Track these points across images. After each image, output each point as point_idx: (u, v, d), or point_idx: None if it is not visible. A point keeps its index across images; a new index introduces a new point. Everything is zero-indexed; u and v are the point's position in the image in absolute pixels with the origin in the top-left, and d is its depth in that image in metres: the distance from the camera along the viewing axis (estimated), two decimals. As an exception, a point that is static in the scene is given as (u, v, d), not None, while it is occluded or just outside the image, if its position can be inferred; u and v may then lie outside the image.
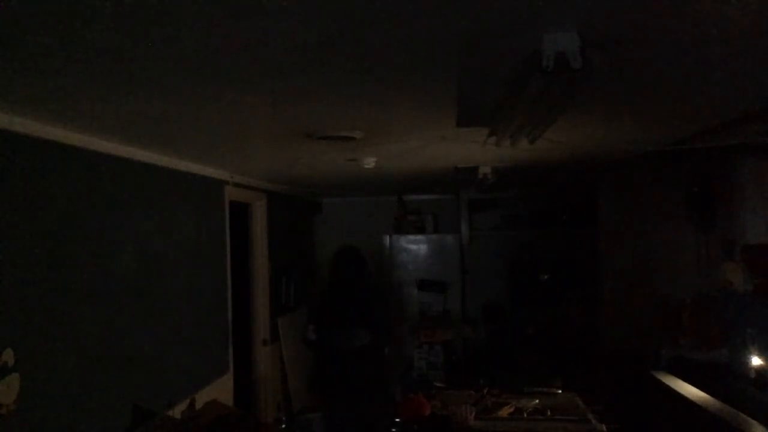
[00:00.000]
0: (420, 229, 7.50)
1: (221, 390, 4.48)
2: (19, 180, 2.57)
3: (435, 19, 1.66)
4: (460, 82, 2.35)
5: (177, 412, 3.68)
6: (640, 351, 4.66)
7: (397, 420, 4.01)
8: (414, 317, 7.11)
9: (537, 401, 4.06)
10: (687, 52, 2.06)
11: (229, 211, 4.85)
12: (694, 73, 2.35)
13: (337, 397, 4.22)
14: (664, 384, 3.84)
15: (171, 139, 3.30)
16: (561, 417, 3.80)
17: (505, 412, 3.93)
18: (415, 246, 7.41)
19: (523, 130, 2.84)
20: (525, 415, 3.88)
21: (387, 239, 7.35)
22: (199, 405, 3.97)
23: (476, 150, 3.86)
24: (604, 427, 3.58)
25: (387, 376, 4.60)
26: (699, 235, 4.03)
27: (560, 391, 4.31)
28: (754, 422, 2.98)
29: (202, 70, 2.06)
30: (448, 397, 4.30)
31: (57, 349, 2.75)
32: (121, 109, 2.55)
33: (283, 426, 4.81)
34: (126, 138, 3.18)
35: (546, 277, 7.21)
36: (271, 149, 3.82)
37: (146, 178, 3.63)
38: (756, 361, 3.39)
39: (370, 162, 4.25)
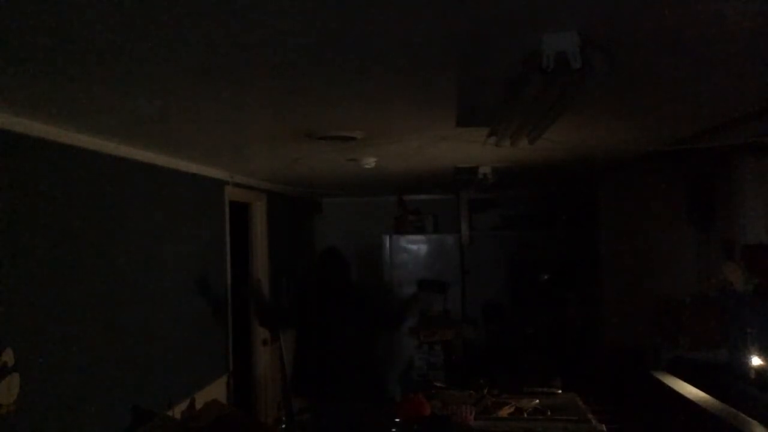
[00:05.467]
0: (420, 229, 7.50)
1: (221, 390, 4.48)
2: (19, 180, 2.57)
3: (435, 19, 1.66)
4: (460, 82, 2.35)
5: (177, 412, 3.68)
6: (640, 351, 4.67)
7: (397, 420, 4.01)
8: (414, 317, 7.10)
9: (537, 401, 4.06)
10: (687, 52, 2.06)
11: (229, 211, 4.85)
12: (694, 73, 2.35)
13: (320, 395, 4.24)
14: (664, 384, 3.84)
15: (171, 139, 3.30)
16: (561, 417, 3.80)
17: (505, 412, 3.93)
18: (415, 246, 7.41)
19: (523, 130, 2.84)
20: (525, 415, 3.88)
21: (387, 239, 7.34)
22: (199, 405, 3.97)
23: (476, 150, 3.86)
24: (604, 427, 3.58)
25: (381, 372, 4.62)
26: (699, 235, 4.03)
27: (560, 391, 4.31)
28: (754, 422, 2.98)
29: (202, 70, 2.06)
30: (448, 397, 4.30)
31: (57, 349, 2.75)
32: (121, 109, 2.55)
33: (283, 426, 4.81)
34: (126, 138, 3.18)
35: (546, 277, 7.21)
36: (271, 149, 3.82)
37: (146, 178, 3.63)
38: (756, 361, 3.39)
39: (370, 162, 4.25)
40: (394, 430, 3.99)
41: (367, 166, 4.34)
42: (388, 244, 7.34)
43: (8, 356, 2.40)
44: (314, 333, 4.30)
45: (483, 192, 6.58)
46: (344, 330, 4.26)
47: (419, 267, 7.33)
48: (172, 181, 3.95)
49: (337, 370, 4.20)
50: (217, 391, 4.36)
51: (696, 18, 1.71)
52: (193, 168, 4.22)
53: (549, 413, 3.90)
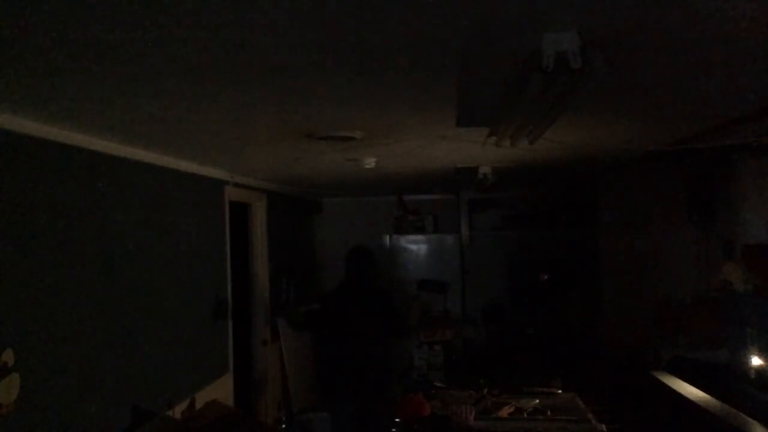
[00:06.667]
0: (420, 229, 7.50)
1: (221, 390, 4.48)
2: (19, 180, 2.57)
3: (435, 19, 1.66)
4: (460, 82, 2.35)
5: (177, 412, 3.68)
6: (640, 351, 4.67)
7: (397, 420, 4.01)
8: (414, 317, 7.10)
9: (537, 401, 4.06)
10: (687, 52, 2.06)
11: (229, 211, 4.85)
12: (694, 73, 2.35)
13: (347, 396, 4.25)
14: (664, 384, 3.84)
15: (171, 139, 3.30)
16: (561, 417, 3.80)
17: (505, 412, 3.93)
18: (415, 246, 7.41)
19: (523, 130, 2.84)
20: (525, 415, 3.88)
21: (387, 239, 7.35)
22: (199, 405, 3.97)
23: (476, 150, 3.86)
24: (604, 427, 3.58)
25: (390, 375, 4.63)
26: (699, 235, 4.04)
27: (560, 391, 4.31)
28: (754, 422, 2.98)
29: (202, 70, 2.06)
30: (448, 397, 4.30)
31: (57, 349, 2.75)
32: (121, 109, 2.55)
33: (283, 426, 4.81)
34: (126, 138, 3.18)
35: (546, 277, 7.21)
36: (271, 149, 3.82)
37: (146, 178, 3.63)
38: (756, 361, 3.39)
39: (370, 162, 4.25)
40: (394, 430, 4.00)
41: (367, 166, 4.34)
42: (388, 244, 7.34)
43: (8, 356, 2.40)
44: (342, 333, 4.32)
45: (483, 192, 6.58)
46: (369, 331, 4.29)
47: (419, 267, 7.34)
48: (172, 181, 3.95)
49: (360, 370, 4.23)
50: (217, 391, 4.36)
51: (696, 18, 1.71)
52: (193, 168, 4.21)
53: (549, 413, 3.90)
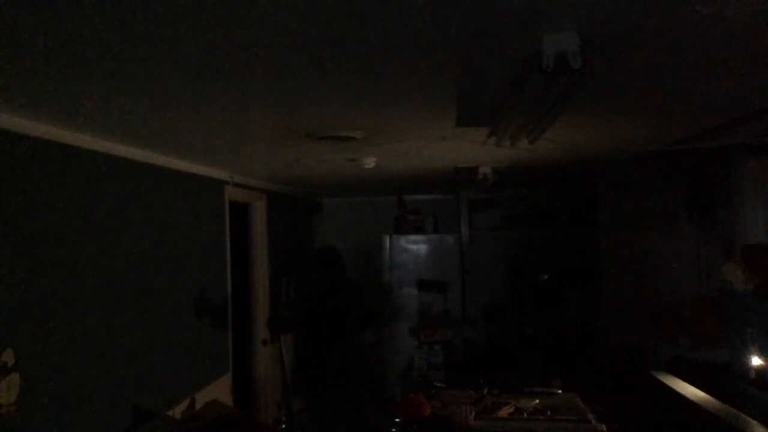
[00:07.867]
0: (420, 229, 7.50)
1: (221, 390, 4.48)
2: (19, 180, 2.57)
3: (435, 19, 1.66)
4: (460, 82, 2.35)
5: (177, 412, 3.68)
6: (640, 351, 4.66)
7: (397, 420, 4.01)
8: (414, 317, 7.11)
9: (537, 401, 4.06)
10: (687, 52, 2.06)
11: (229, 211, 4.85)
12: (694, 73, 2.35)
13: (321, 395, 4.27)
14: (664, 384, 3.84)
15: (171, 139, 3.30)
16: (561, 417, 3.80)
17: (505, 412, 3.92)
18: (415, 246, 7.41)
19: (523, 130, 2.84)
20: (525, 415, 3.88)
21: (387, 239, 7.34)
22: (199, 405, 3.97)
23: (476, 150, 3.86)
24: (604, 427, 3.58)
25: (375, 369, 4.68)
26: (699, 235, 4.04)
27: (560, 391, 4.31)
28: (754, 422, 2.98)
29: (202, 70, 2.06)
30: (448, 397, 4.30)
31: (57, 349, 2.75)
32: (121, 109, 2.55)
33: (283, 426, 4.82)
34: (126, 138, 3.18)
35: (546, 277, 7.21)
36: (271, 149, 3.82)
37: (146, 178, 3.63)
38: (756, 361, 3.39)
39: (370, 162, 4.25)
40: (394, 430, 3.99)
41: (367, 166, 4.34)
42: (388, 244, 7.33)
43: (8, 356, 2.40)
44: (312, 332, 4.33)
45: (483, 192, 6.58)
46: (339, 327, 4.31)
47: (419, 267, 7.33)
48: (172, 181, 3.95)
49: (332, 367, 4.24)
50: (217, 391, 4.36)
51: (696, 18, 1.71)
52: (193, 168, 4.22)
53: (549, 413, 3.90)
